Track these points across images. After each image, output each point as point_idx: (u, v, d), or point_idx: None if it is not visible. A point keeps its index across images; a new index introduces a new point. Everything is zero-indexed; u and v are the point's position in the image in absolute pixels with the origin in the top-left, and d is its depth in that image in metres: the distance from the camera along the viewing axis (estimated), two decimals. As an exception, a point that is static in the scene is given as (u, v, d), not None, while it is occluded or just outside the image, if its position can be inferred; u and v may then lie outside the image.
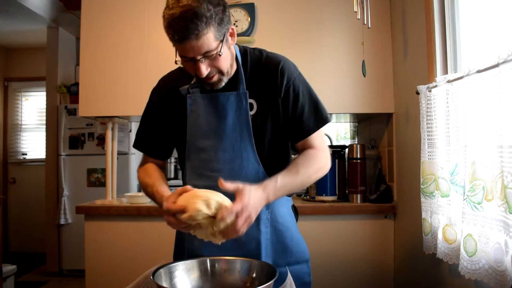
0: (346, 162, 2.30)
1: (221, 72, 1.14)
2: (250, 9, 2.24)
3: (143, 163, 1.35)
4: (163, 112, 1.30)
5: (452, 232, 1.43)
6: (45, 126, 4.34)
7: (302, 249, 1.30)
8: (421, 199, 1.60)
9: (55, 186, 4.21)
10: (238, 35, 2.21)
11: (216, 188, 1.01)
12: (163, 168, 1.36)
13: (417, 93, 1.64)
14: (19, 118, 5.21)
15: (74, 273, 4.08)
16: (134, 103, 2.22)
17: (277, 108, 1.22)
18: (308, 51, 2.24)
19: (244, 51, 1.27)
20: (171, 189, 1.19)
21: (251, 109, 1.22)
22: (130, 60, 2.28)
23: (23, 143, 5.19)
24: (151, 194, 1.20)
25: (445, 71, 1.68)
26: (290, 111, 1.22)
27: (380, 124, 2.40)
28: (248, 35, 2.24)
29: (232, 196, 1.01)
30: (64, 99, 4.36)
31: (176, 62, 1.13)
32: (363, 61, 2.06)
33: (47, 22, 4.22)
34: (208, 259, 1.10)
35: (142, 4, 2.29)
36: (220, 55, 1.08)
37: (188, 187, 1.02)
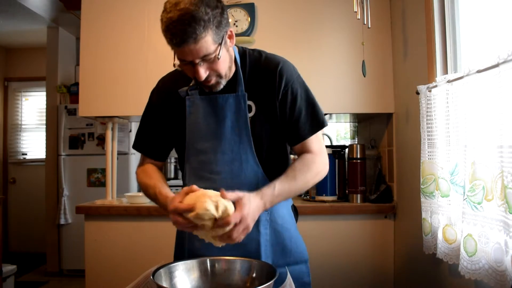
0: (346, 162, 2.30)
1: (219, 75, 1.13)
2: (250, 9, 2.24)
3: (141, 164, 1.35)
4: (162, 113, 1.29)
5: (452, 232, 1.43)
6: (45, 126, 4.34)
7: (301, 249, 1.30)
8: (421, 199, 1.60)
9: (55, 186, 4.21)
10: (238, 35, 2.21)
11: (215, 190, 1.01)
12: (162, 169, 1.36)
13: (417, 93, 1.64)
14: (19, 118, 5.21)
15: (74, 273, 4.08)
16: (134, 103, 2.22)
17: (275, 110, 1.22)
18: (308, 51, 2.24)
19: (243, 52, 1.26)
20: (171, 189, 1.20)
21: (250, 111, 1.21)
22: (130, 60, 2.28)
23: (23, 143, 5.19)
24: (153, 196, 1.20)
25: (445, 71, 1.68)
26: (287, 114, 1.22)
27: (380, 124, 2.40)
28: (248, 35, 2.24)
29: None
30: (64, 99, 4.36)
31: (174, 65, 1.13)
32: (363, 61, 2.06)
33: (47, 22, 4.22)
34: (208, 259, 1.10)
35: (142, 4, 2.29)
36: (218, 59, 1.08)
37: (194, 186, 1.02)
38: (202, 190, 1.01)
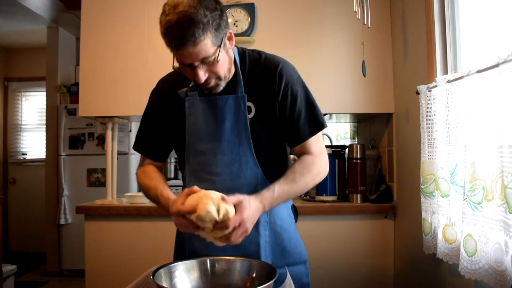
0: (346, 162, 2.30)
1: (218, 77, 1.13)
2: (250, 9, 2.24)
3: (141, 165, 1.35)
4: (162, 114, 1.29)
5: (452, 232, 1.43)
6: (45, 126, 4.34)
7: (300, 250, 1.30)
8: (421, 199, 1.60)
9: (55, 186, 4.21)
10: (238, 35, 2.21)
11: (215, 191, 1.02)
12: (162, 170, 1.36)
13: (417, 93, 1.64)
14: (19, 118, 5.21)
15: (74, 273, 4.08)
16: (134, 103, 2.21)
17: (274, 111, 1.22)
18: (308, 51, 2.24)
19: (242, 52, 1.26)
20: (171, 190, 1.20)
21: (249, 112, 1.21)
22: (130, 60, 2.28)
23: (23, 143, 5.19)
24: (154, 197, 1.20)
25: (445, 71, 1.68)
26: (287, 115, 1.22)
27: (380, 124, 2.40)
28: (248, 35, 2.24)
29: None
30: (64, 99, 4.36)
31: (173, 67, 1.12)
32: (363, 61, 2.06)
33: (47, 22, 4.22)
34: (208, 259, 1.10)
35: (142, 4, 2.29)
36: (218, 61, 1.07)
37: (196, 187, 1.02)
38: (204, 191, 1.01)
